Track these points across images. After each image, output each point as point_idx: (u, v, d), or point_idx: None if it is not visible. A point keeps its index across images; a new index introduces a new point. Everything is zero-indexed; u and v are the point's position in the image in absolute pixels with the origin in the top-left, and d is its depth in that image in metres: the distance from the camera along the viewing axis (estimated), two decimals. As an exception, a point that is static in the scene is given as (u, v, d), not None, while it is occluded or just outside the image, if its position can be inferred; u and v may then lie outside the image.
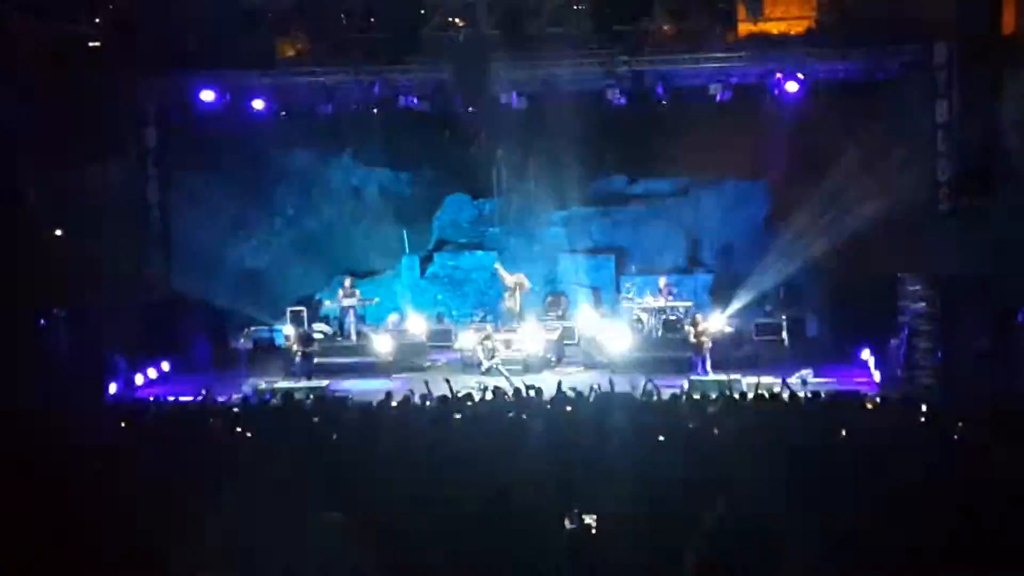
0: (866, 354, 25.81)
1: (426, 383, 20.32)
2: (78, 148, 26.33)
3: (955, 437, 16.21)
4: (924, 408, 18.23)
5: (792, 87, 26.67)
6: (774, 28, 27.31)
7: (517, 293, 29.00)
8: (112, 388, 25.10)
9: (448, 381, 20.46)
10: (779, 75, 26.96)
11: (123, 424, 18.37)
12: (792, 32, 27.35)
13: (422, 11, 24.71)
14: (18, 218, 25.23)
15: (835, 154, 28.07)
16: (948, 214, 24.99)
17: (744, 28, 26.93)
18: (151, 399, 22.68)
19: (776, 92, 27.28)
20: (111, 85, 26.85)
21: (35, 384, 23.12)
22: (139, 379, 26.39)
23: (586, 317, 29.26)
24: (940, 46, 25.42)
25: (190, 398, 21.38)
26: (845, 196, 27.96)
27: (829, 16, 26.42)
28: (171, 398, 22.63)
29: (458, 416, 17.83)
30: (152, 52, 25.96)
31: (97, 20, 25.16)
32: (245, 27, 25.65)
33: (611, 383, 19.97)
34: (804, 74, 26.84)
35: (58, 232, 26.80)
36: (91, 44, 25.77)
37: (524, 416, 17.78)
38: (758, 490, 13.62)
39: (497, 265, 30.13)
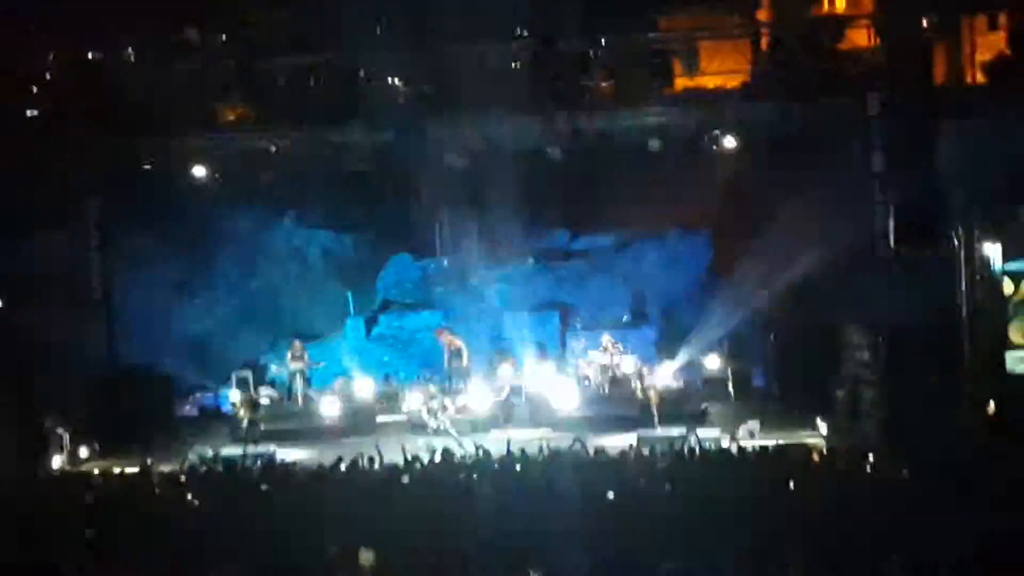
0: (812, 405, 25.92)
1: (376, 447, 20.22)
2: (18, 218, 26.13)
3: (902, 484, 16.37)
4: (871, 458, 18.38)
5: (730, 142, 26.88)
6: (710, 82, 27.59)
7: (459, 351, 29.01)
8: (56, 461, 24.79)
9: (403, 447, 20.41)
10: (716, 129, 27.18)
11: (66, 497, 18.24)
12: (728, 86, 27.64)
13: (360, 73, 24.76)
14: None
15: (775, 205, 28.28)
16: (888, 264, 25.21)
17: (681, 83, 27.19)
18: (95, 471, 22.49)
19: (714, 145, 27.49)
20: (51, 153, 26.70)
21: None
22: (83, 452, 26.06)
23: (533, 375, 29.23)
24: (873, 97, 25.70)
25: (136, 468, 21.18)
26: (786, 247, 28.15)
27: (763, 69, 26.70)
28: (116, 469, 22.43)
29: (406, 479, 17.80)
30: (92, 119, 25.85)
31: (34, 89, 25.03)
32: (186, 92, 25.61)
33: (579, 443, 19.90)
34: (741, 126, 27.07)
35: (-2, 304, 26.57)
36: (29, 113, 25.62)
37: (474, 477, 17.78)
38: (710, 544, 13.68)
39: (438, 332, 30.01)
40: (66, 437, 25.53)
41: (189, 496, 17.66)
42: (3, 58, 24.00)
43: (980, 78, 26.75)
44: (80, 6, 24.69)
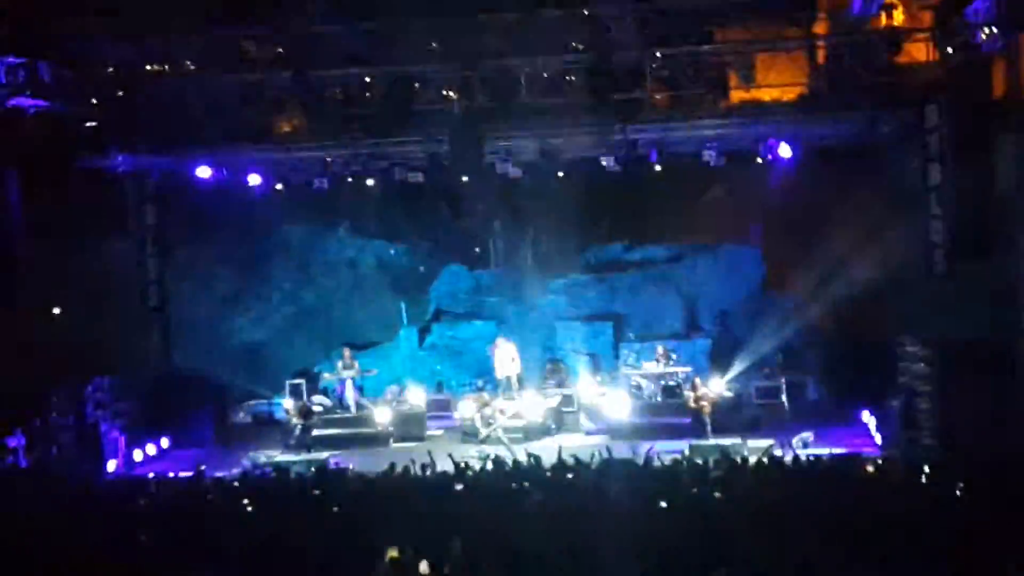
0: (866, 416, 25.84)
1: (429, 453, 20.29)
2: (78, 226, 26.45)
3: (957, 498, 16.24)
4: (926, 469, 18.25)
5: (785, 152, 26.79)
6: (766, 95, 27.46)
7: (513, 362, 29.08)
8: (111, 465, 25.05)
9: (451, 456, 20.45)
10: (772, 141, 27.10)
11: (122, 501, 18.40)
12: (784, 98, 27.49)
13: (416, 84, 24.87)
14: (18, 297, 25.34)
15: (829, 218, 28.19)
16: (944, 276, 25.05)
17: (736, 95, 27.07)
18: (150, 475, 22.70)
19: (770, 157, 27.42)
20: (110, 163, 27.03)
21: (37, 460, 23.22)
22: (138, 455, 26.33)
23: (585, 384, 29.26)
24: (931, 109, 25.54)
25: (190, 473, 21.34)
26: (841, 259, 28.06)
27: (820, 81, 26.56)
28: (171, 474, 22.64)
29: (459, 487, 17.83)
30: (150, 130, 26.11)
31: (94, 100, 25.31)
32: (242, 104, 25.80)
33: (609, 451, 19.96)
34: (797, 139, 26.99)
35: (56, 310, 26.87)
36: (88, 124, 25.89)
37: (526, 485, 17.79)
38: (761, 554, 13.62)
39: (498, 343, 30.04)
40: (122, 441, 25.78)
41: (244, 502, 17.75)
42: (62, 68, 24.24)
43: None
44: (137, 16, 24.90)
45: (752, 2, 26.59)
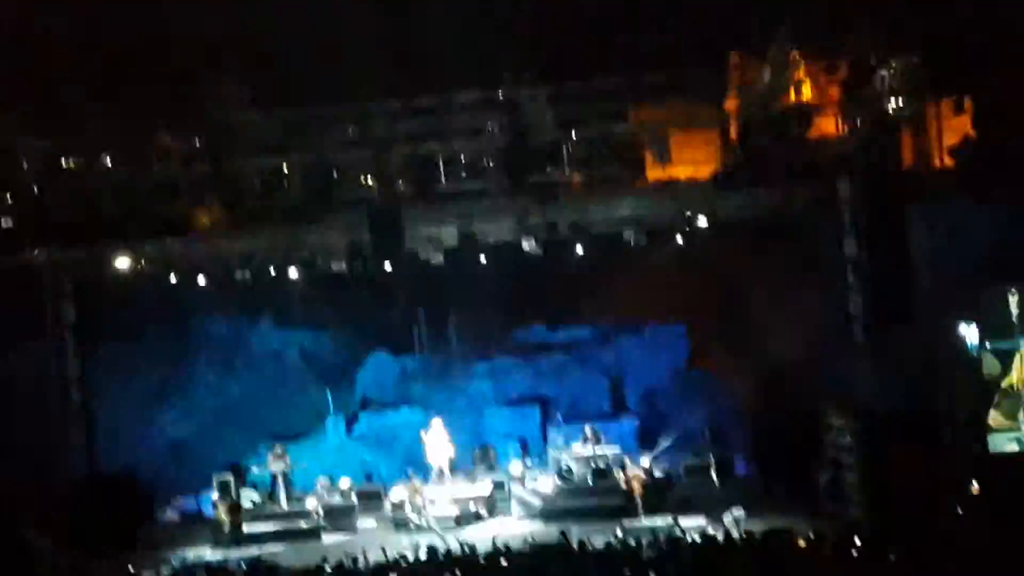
0: (795, 490, 25.94)
1: (361, 548, 20.14)
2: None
3: (889, 567, 16.36)
4: (857, 542, 18.36)
5: (703, 225, 27.05)
6: (681, 172, 27.81)
7: (445, 447, 28.96)
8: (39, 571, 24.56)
9: (384, 547, 20.32)
10: (688, 218, 27.38)
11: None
12: (699, 175, 27.86)
13: (334, 172, 24.95)
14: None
15: (750, 292, 28.48)
16: (864, 347, 25.35)
17: (653, 174, 27.42)
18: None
19: (687, 235, 27.67)
20: (25, 262, 26.75)
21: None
22: (65, 561, 25.80)
23: (515, 469, 29.17)
24: (843, 182, 25.97)
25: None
26: (762, 333, 28.31)
27: (734, 158, 26.97)
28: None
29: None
30: (66, 226, 25.90)
31: (8, 199, 25.11)
32: (160, 197, 25.71)
33: (564, 536, 19.92)
34: (713, 216, 27.29)
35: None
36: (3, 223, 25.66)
37: (460, 573, 17.71)
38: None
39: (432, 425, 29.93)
40: (48, 547, 25.28)
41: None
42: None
43: (948, 161, 27.07)
44: (55, 113, 24.78)
45: (664, 81, 26.99)
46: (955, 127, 26.56)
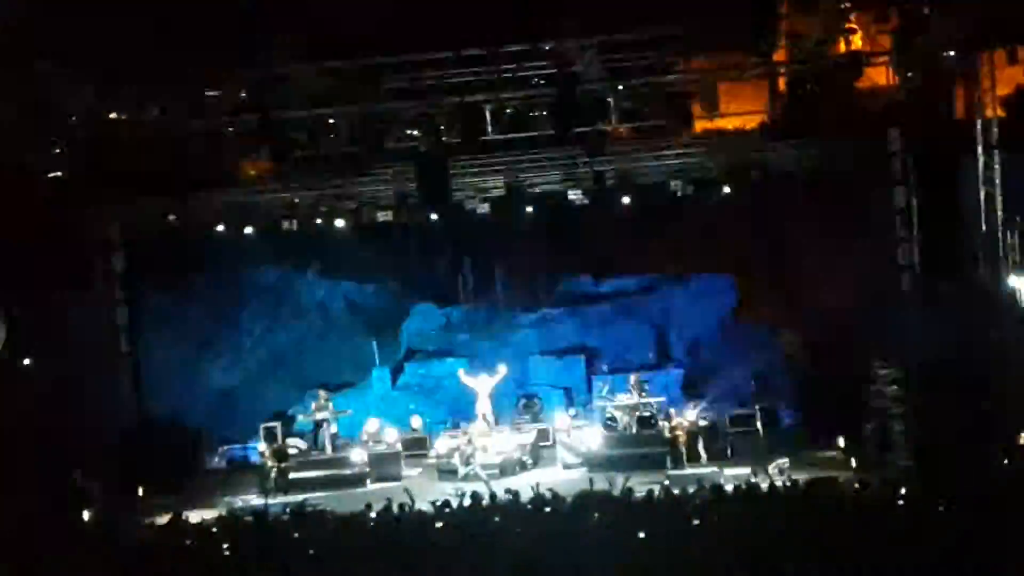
0: (842, 440, 25.87)
1: (407, 491, 20.19)
2: (45, 278, 26.29)
3: (937, 517, 16.26)
4: (903, 491, 18.27)
5: (752, 176, 26.93)
6: (730, 124, 27.59)
7: (486, 396, 29.04)
8: (86, 515, 24.85)
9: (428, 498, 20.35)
10: (737, 170, 27.25)
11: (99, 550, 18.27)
12: (748, 127, 27.64)
13: (381, 124, 24.87)
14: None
15: (798, 243, 28.32)
16: (913, 298, 25.17)
17: (700, 125, 27.19)
18: (127, 523, 22.53)
19: (735, 186, 27.55)
20: (76, 213, 26.93)
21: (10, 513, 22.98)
22: (114, 504, 26.11)
23: (560, 418, 29.24)
24: (894, 133, 25.74)
25: (166, 520, 21.18)
26: (810, 284, 28.17)
27: (783, 108, 26.72)
28: (147, 521, 22.49)
29: (439, 524, 17.76)
30: (116, 178, 25.99)
31: (58, 151, 25.21)
32: (208, 149, 25.75)
33: (590, 482, 19.94)
34: (762, 166, 27.14)
35: (26, 361, 26.67)
36: (51, 175, 25.77)
37: (503, 520, 17.75)
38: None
39: (460, 372, 30.15)
40: (96, 490, 25.59)
41: (223, 547, 17.65)
42: (26, 119, 24.13)
43: (1000, 112, 26.76)
44: (101, 65, 24.81)
45: (713, 32, 26.71)
46: (1008, 77, 26.24)
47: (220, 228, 29.08)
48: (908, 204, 25.66)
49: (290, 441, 28.61)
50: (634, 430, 27.51)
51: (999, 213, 23.96)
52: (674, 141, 27.01)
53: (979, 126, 24.43)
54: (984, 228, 23.94)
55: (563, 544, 15.84)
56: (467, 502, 19.39)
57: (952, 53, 24.54)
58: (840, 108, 25.49)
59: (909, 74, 25.45)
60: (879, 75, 25.94)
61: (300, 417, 30.02)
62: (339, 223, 29.14)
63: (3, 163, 24.54)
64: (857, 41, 27.25)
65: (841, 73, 25.35)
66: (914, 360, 23.60)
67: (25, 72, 23.02)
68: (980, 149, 24.32)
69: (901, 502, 17.67)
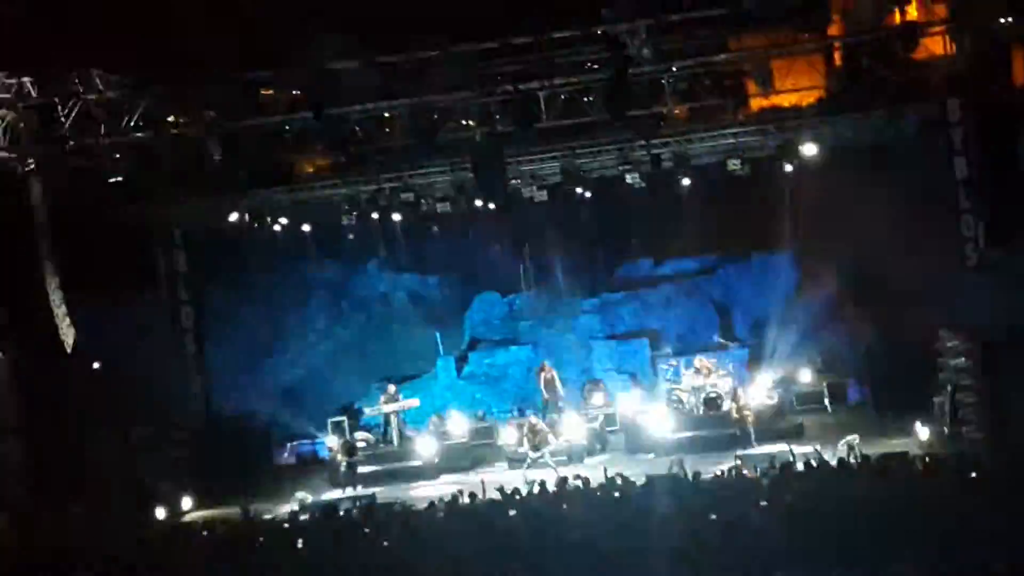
0: (910, 414, 25.67)
1: (482, 483, 20.31)
2: (110, 280, 26.57)
3: (1006, 491, 16.12)
4: (976, 464, 18.12)
5: (809, 152, 26.77)
6: (785, 100, 27.39)
7: (554, 384, 29.06)
8: (160, 512, 25.14)
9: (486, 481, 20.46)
10: (794, 146, 27.09)
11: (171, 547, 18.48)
12: (804, 103, 27.43)
13: (435, 116, 24.89)
14: (58, 355, 25.44)
15: (858, 218, 28.07)
16: (977, 268, 24.92)
17: (756, 103, 27.01)
18: (199, 521, 22.77)
19: (794, 163, 27.40)
20: (137, 214, 27.19)
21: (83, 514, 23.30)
22: (186, 503, 26.40)
23: (626, 402, 29.20)
24: (953, 103, 25.48)
25: (239, 518, 21.38)
26: (872, 258, 27.94)
27: (839, 83, 26.48)
28: (219, 518, 22.71)
29: (512, 512, 17.81)
30: (175, 179, 26.20)
31: (117, 155, 25.42)
32: (264, 147, 25.88)
33: (677, 466, 19.97)
34: (819, 142, 26.96)
35: (96, 364, 26.97)
36: (112, 180, 25.99)
37: (572, 507, 17.78)
38: (815, 558, 13.59)
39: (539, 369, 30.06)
40: (168, 489, 25.87)
41: (299, 543, 17.78)
42: (87, 121, 24.35)
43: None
44: (157, 68, 24.99)
45: (765, 7, 26.52)
46: (1067, 43, 25.90)
47: (279, 225, 29.26)
48: (969, 174, 25.39)
49: (358, 435, 28.72)
50: (701, 412, 27.44)
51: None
52: (730, 120, 26.86)
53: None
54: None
55: (634, 528, 15.86)
56: (536, 490, 19.45)
57: (1008, 19, 24.19)
58: (897, 80, 25.21)
59: (966, 43, 25.11)
60: (935, 45, 25.63)
61: (367, 410, 30.16)
62: (397, 216, 29.23)
63: (65, 167, 24.80)
64: (912, 11, 26.96)
65: (897, 44, 25.05)
66: (981, 332, 23.34)
67: (83, 76, 23.21)
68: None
69: (973, 475, 17.53)
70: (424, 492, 24.04)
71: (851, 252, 28.74)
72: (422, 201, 28.58)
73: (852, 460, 19.83)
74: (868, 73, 25.19)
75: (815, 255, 30.67)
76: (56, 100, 22.76)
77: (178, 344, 29.44)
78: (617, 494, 18.54)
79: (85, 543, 19.95)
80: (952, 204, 25.57)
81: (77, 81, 22.89)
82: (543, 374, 29.23)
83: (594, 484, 19.51)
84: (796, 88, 26.53)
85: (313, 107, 24.06)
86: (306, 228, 29.99)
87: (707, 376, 28.04)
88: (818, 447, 22.92)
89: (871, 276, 28.25)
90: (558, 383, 29.19)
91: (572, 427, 27.50)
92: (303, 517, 21.22)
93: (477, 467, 27.49)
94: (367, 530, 18.16)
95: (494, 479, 23.25)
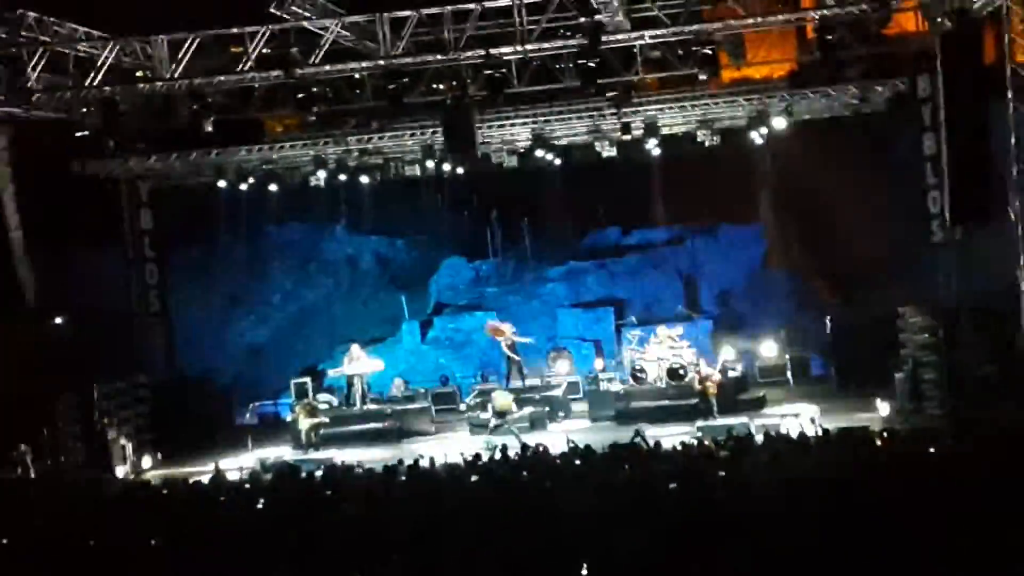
0: (871, 389, 25.79)
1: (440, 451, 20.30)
2: (74, 235, 26.40)
3: (968, 464, 16.19)
4: (934, 439, 18.21)
5: (779, 126, 26.79)
6: (757, 72, 27.39)
7: (511, 346, 28.99)
8: (120, 471, 25.05)
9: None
10: (765, 118, 27.10)
11: (131, 506, 18.39)
12: (775, 75, 27.44)
13: (406, 79, 24.74)
14: (18, 311, 25.26)
15: (826, 192, 28.17)
16: (942, 245, 25.02)
17: (728, 74, 26.98)
18: (160, 479, 22.68)
19: (764, 135, 27.42)
20: (102, 170, 26.99)
21: (46, 469, 23.19)
22: (146, 461, 26.31)
23: (589, 370, 29.23)
24: (923, 79, 25.52)
25: (200, 477, 21.32)
26: (839, 232, 28.04)
27: (811, 56, 26.49)
28: (179, 477, 22.62)
29: (475, 478, 17.81)
30: (142, 134, 26.01)
31: (85, 109, 25.18)
32: (233, 105, 25.69)
33: (638, 435, 20.00)
34: (790, 115, 26.98)
35: (58, 320, 26.83)
36: (78, 134, 25.75)
37: (532, 474, 17.78)
38: (771, 528, 13.61)
39: (488, 326, 30.03)
40: (129, 447, 25.78)
41: (256, 503, 17.73)
42: (55, 74, 24.12)
43: (1030, 57, 26.46)
44: (125, 24, 24.73)
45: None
46: (1038, 21, 25.95)
47: (247, 184, 29.09)
48: (937, 150, 25.44)
49: (321, 397, 28.65)
50: (664, 382, 27.47)
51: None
52: (701, 90, 26.84)
53: (1008, 71, 24.15)
54: (1015, 175, 23.66)
55: (594, 497, 15.86)
56: (498, 455, 19.46)
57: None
58: (869, 55, 25.22)
59: (938, 20, 25.12)
60: (908, 21, 25.65)
61: (331, 372, 30.10)
62: (365, 179, 29.12)
63: (32, 121, 24.56)
64: (886, -14, 26.96)
65: (870, 19, 25.04)
66: (945, 309, 23.45)
67: (51, 27, 22.94)
68: (1010, 94, 24.05)
69: (932, 450, 17.62)
70: (385, 456, 24.00)
71: (819, 225, 28.83)
72: (391, 163, 28.46)
73: (812, 433, 19.87)
74: (840, 47, 25.18)
75: (782, 228, 30.76)
76: (24, 52, 22.47)
77: (142, 301, 29.28)
78: (578, 462, 18.55)
79: (44, 499, 19.82)
80: (920, 180, 25.63)
81: (44, 32, 22.60)
82: (503, 340, 29.11)
83: (554, 451, 19.52)
84: (768, 60, 26.55)
85: (282, 65, 23.89)
86: (273, 188, 29.85)
87: (671, 347, 28.04)
88: (779, 420, 23.03)
89: (838, 251, 28.36)
90: (514, 342, 29.02)
91: (535, 394, 27.52)
92: (265, 477, 21.16)
93: (438, 431, 27.48)
94: (328, 492, 18.11)
95: (454, 443, 23.25)
